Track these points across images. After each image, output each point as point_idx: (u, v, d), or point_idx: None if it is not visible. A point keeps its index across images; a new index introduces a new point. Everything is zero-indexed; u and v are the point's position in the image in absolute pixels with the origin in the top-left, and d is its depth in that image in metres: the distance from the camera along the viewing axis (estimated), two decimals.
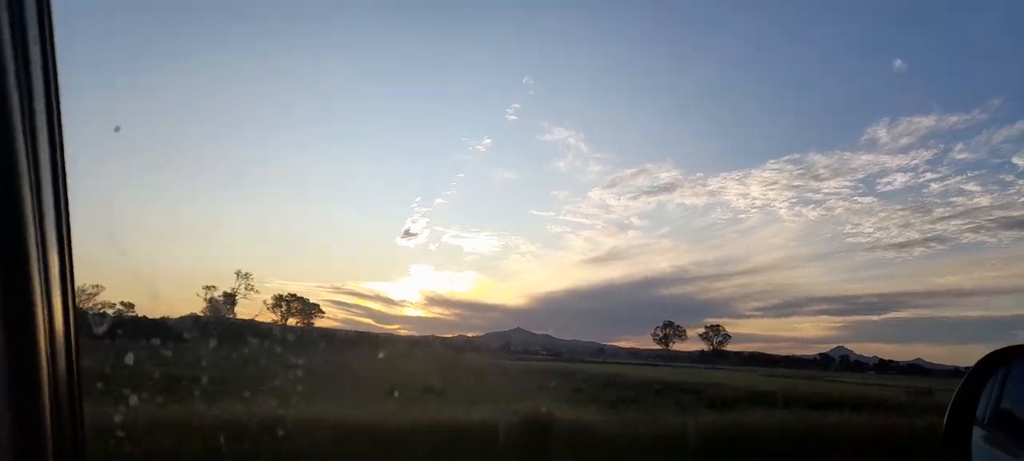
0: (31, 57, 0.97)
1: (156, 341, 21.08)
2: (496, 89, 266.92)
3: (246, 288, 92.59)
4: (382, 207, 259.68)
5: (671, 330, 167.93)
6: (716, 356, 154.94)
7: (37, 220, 0.97)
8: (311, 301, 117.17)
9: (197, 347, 28.64)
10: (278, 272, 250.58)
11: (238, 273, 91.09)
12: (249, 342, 22.25)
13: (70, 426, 1.04)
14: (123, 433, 7.84)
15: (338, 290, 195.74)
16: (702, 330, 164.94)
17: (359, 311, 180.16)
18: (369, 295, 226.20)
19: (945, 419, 3.37)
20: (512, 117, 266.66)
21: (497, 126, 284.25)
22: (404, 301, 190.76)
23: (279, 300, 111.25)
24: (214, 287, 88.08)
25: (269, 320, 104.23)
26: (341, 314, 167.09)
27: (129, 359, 9.47)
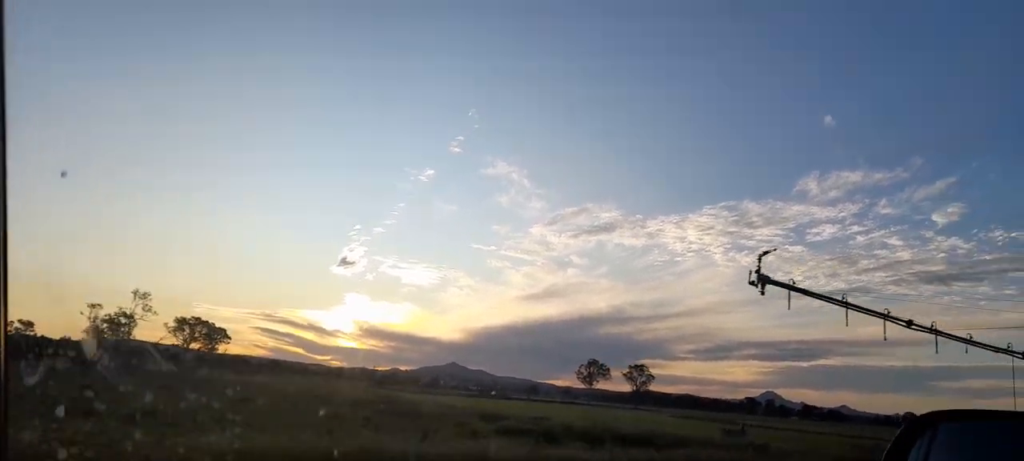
0: None
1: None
2: (440, 120, 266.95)
3: (143, 309, 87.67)
4: (319, 234, 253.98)
5: (595, 368, 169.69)
6: (638, 397, 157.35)
7: None
8: (217, 325, 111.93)
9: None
10: (205, 296, 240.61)
11: (135, 292, 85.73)
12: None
13: None
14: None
15: (269, 317, 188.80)
16: (626, 370, 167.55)
17: (290, 340, 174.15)
18: (302, 323, 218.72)
19: None
20: (456, 149, 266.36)
21: (441, 157, 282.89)
22: (338, 331, 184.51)
23: (182, 323, 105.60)
24: (99, 305, 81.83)
25: (170, 343, 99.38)
26: (272, 342, 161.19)
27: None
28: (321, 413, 29.66)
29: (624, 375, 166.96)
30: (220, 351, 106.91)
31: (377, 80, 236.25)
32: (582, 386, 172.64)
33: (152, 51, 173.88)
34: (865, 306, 21.74)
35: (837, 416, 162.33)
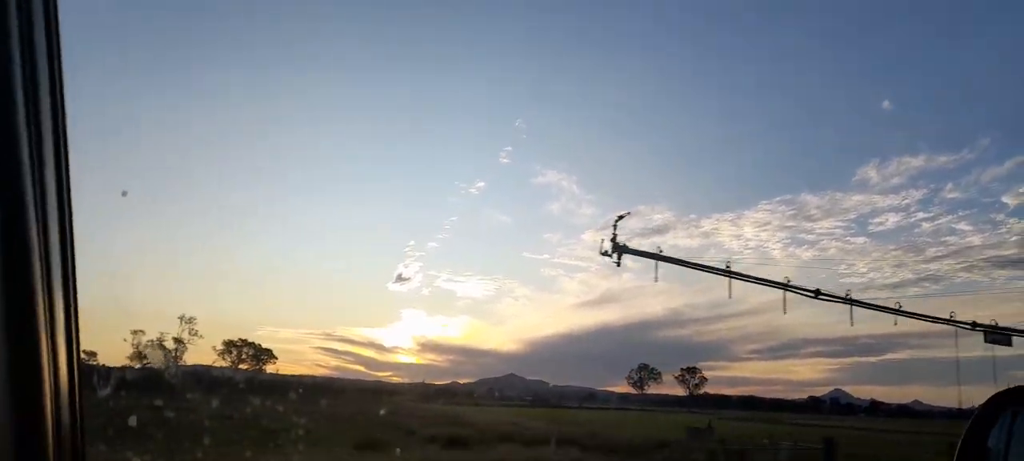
0: (41, 114, 0.99)
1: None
2: (488, 132, 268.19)
3: (190, 333, 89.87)
4: (374, 251, 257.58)
5: (645, 373, 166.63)
6: (692, 400, 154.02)
7: (43, 252, 0.99)
8: (263, 346, 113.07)
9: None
10: (268, 319, 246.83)
11: (181, 318, 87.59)
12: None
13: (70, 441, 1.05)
14: None
15: (329, 337, 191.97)
16: (678, 373, 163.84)
17: (351, 358, 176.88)
18: (361, 341, 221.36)
19: (955, 456, 3.39)
20: (505, 160, 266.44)
21: (490, 169, 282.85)
22: (396, 347, 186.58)
23: (230, 346, 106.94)
24: (141, 331, 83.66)
25: (220, 365, 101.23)
26: (334, 362, 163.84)
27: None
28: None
29: (676, 378, 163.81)
30: (282, 371, 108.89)
31: (425, 95, 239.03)
32: (636, 392, 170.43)
33: (208, 73, 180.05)
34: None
35: (907, 412, 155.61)
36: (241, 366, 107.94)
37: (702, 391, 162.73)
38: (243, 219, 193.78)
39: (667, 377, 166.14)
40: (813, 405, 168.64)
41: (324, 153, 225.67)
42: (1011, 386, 3.26)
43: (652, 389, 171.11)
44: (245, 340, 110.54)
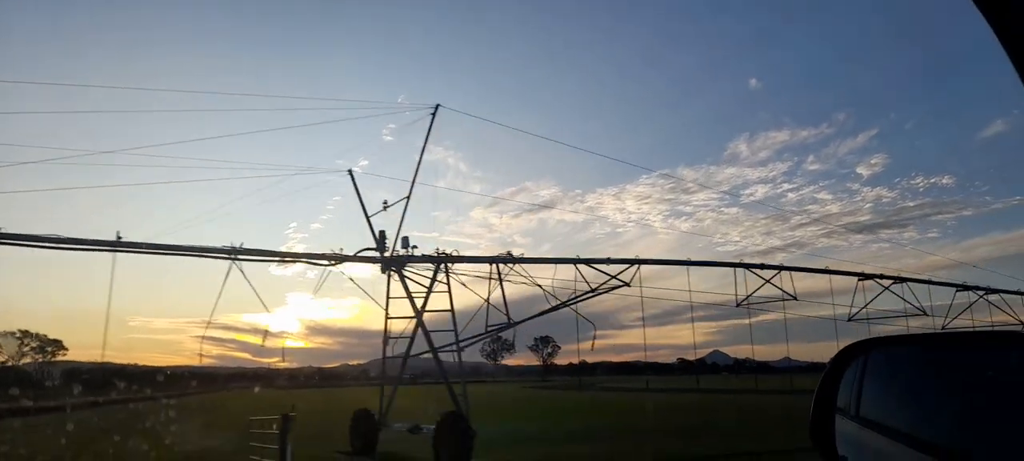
0: None
1: None
2: (370, 108, 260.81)
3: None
4: (254, 236, 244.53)
5: (499, 345, 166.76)
6: (545, 370, 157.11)
7: None
8: (50, 337, 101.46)
9: None
10: (143, 309, 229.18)
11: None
12: None
13: None
14: None
15: (212, 324, 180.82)
16: (532, 343, 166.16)
17: (235, 345, 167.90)
18: (245, 328, 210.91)
19: (811, 409, 3.60)
20: (388, 137, 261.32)
21: (373, 146, 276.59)
22: (283, 332, 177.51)
23: (5, 336, 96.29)
24: None
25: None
26: (216, 350, 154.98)
27: None
28: None
29: (529, 348, 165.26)
30: (155, 363, 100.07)
31: (302, 72, 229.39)
32: (531, 363, 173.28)
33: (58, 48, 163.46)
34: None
35: (766, 368, 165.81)
36: (24, 360, 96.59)
37: (553, 361, 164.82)
38: (112, 196, 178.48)
39: (520, 347, 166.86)
40: (684, 367, 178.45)
41: (199, 132, 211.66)
42: (857, 340, 3.50)
43: (509, 360, 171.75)
44: (27, 330, 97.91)
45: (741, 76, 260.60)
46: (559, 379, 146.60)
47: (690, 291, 29.42)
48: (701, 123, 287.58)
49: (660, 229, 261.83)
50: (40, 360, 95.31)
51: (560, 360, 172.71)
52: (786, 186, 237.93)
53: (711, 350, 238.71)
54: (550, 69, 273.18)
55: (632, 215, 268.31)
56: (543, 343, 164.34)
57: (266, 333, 24.78)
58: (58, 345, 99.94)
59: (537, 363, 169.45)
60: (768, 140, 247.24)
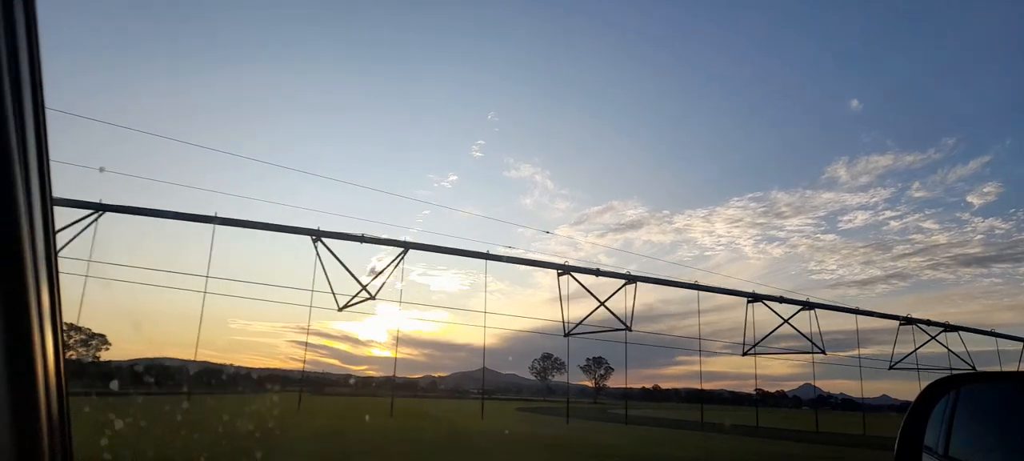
0: (23, 93, 0.97)
1: None
2: (461, 125, 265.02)
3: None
4: (346, 246, 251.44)
5: (549, 363, 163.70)
6: (597, 391, 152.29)
7: (32, 250, 0.97)
8: (95, 331, 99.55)
9: None
10: (240, 313, 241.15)
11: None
12: None
13: (60, 432, 1.06)
14: None
15: (303, 330, 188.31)
16: (584, 364, 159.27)
17: (326, 352, 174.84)
18: (336, 335, 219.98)
19: (896, 446, 3.44)
20: (477, 154, 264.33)
21: (462, 162, 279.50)
22: (371, 341, 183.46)
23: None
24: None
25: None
26: (310, 355, 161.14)
27: None
28: None
29: (581, 367, 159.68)
30: (251, 364, 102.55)
31: (395, 88, 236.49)
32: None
33: (182, 62, 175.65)
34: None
35: (850, 404, 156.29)
36: (69, 354, 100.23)
37: (605, 383, 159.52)
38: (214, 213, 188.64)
39: (573, 369, 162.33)
40: (761, 399, 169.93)
41: (298, 145, 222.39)
42: (943, 376, 3.33)
43: (557, 378, 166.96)
44: (73, 324, 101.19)
45: (842, 96, 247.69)
46: (608, 401, 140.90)
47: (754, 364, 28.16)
48: (797, 145, 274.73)
49: (751, 254, 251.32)
50: (84, 354, 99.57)
51: (632, 383, 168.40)
52: (888, 213, 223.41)
53: (802, 383, 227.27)
54: (639, 85, 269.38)
55: (722, 238, 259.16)
56: (596, 364, 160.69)
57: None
58: (103, 339, 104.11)
59: (590, 385, 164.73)
60: (870, 164, 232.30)
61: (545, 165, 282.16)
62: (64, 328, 1.09)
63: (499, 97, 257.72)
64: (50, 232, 1.04)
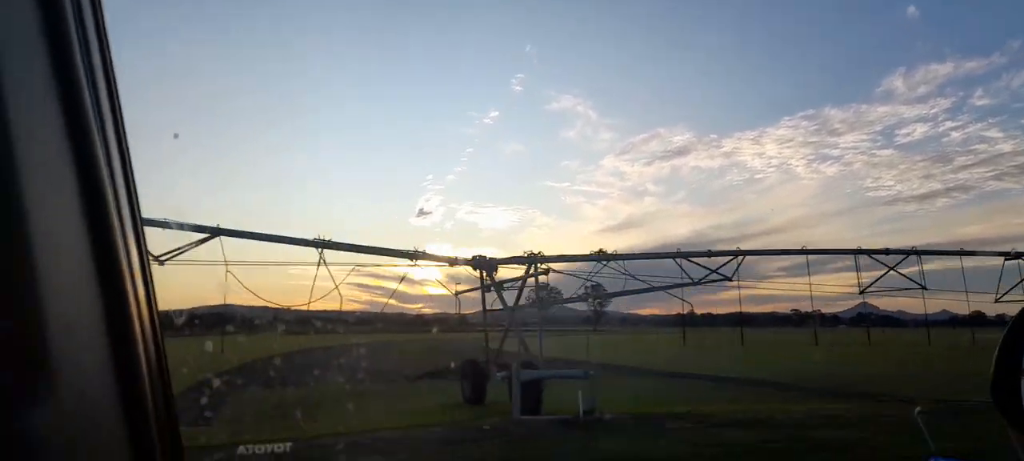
0: (94, 68, 0.99)
1: None
2: (499, 60, 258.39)
3: None
4: (394, 188, 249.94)
5: (545, 294, 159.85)
6: (596, 317, 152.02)
7: (120, 228, 1.02)
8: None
9: None
10: (292, 258, 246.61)
11: None
12: None
13: (165, 412, 1.09)
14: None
15: (358, 272, 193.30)
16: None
17: (382, 292, 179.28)
18: (391, 276, 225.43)
19: (992, 366, 3.14)
20: (517, 88, 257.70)
21: (503, 98, 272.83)
22: (425, 280, 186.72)
23: None
24: None
25: None
26: (365, 296, 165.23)
27: None
28: None
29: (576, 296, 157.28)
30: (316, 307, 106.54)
31: (433, 26, 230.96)
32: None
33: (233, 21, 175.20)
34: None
35: (891, 321, 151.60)
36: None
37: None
38: (255, 170, 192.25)
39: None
40: (799, 319, 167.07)
41: (336, 97, 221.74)
42: None
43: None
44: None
45: (898, 3, 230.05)
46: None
47: (810, 283, 27.43)
48: (851, 58, 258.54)
49: (803, 174, 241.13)
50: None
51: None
52: (949, 124, 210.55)
53: (858, 302, 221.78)
54: (682, 4, 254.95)
55: (772, 160, 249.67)
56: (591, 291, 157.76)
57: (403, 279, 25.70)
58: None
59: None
60: (928, 74, 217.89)
61: (587, 95, 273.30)
62: (160, 324, 1.15)
63: (537, 28, 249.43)
64: (140, 235, 1.09)
